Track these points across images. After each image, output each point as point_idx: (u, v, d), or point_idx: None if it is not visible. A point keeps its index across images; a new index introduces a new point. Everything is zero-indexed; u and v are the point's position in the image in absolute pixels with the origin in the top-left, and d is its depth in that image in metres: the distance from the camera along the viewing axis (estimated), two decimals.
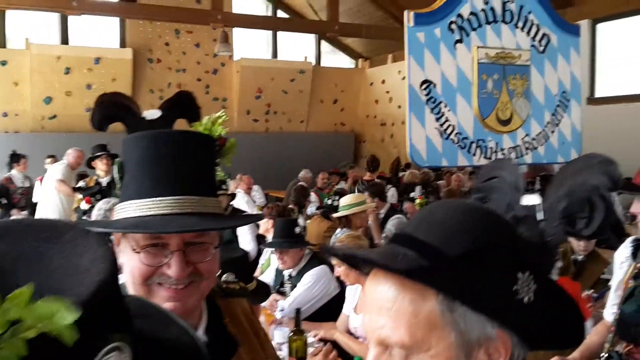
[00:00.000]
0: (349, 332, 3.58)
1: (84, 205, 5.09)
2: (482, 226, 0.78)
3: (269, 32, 13.74)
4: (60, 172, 7.26)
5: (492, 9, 1.92)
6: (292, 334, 3.01)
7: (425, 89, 1.82)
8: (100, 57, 11.62)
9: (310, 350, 3.06)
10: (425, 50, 1.81)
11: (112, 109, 1.41)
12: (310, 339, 3.33)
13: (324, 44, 14.63)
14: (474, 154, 1.93)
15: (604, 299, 3.68)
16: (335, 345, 3.46)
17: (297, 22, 13.24)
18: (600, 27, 9.53)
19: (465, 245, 0.75)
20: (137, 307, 0.63)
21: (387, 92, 13.57)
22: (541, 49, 2.02)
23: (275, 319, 3.65)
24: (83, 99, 11.74)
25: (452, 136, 1.87)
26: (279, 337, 3.30)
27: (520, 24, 1.98)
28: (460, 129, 1.87)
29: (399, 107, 13.04)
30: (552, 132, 2.07)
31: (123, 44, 12.31)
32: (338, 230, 5.31)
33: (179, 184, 1.12)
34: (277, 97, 13.32)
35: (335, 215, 5.29)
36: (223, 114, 1.46)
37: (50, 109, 11.58)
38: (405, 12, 1.75)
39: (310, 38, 14.32)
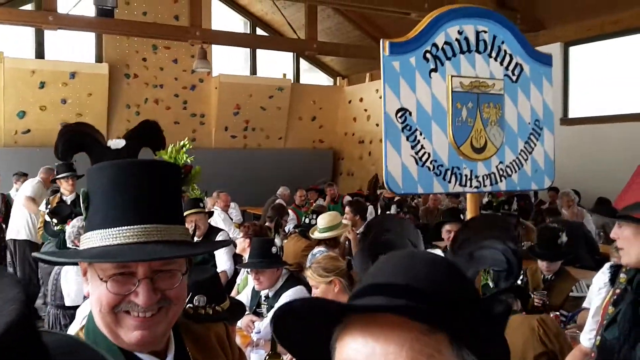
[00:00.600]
0: None
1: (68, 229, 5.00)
2: (461, 276, 0.77)
3: (248, 49, 13.78)
4: (31, 189, 7.12)
5: (466, 38, 1.94)
6: (268, 357, 2.98)
7: (401, 117, 1.83)
8: (75, 71, 11.51)
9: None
10: (400, 78, 1.83)
11: (76, 139, 1.41)
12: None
13: (303, 62, 14.71)
14: (449, 181, 1.95)
15: (576, 319, 3.72)
16: None
17: (276, 40, 13.31)
18: (573, 49, 9.76)
19: (469, 294, 0.74)
20: (67, 347, 0.62)
21: (365, 110, 13.68)
22: (514, 78, 2.06)
23: (252, 340, 3.61)
24: (58, 114, 11.61)
25: (427, 163, 1.88)
26: (256, 359, 3.27)
27: (493, 54, 2.01)
28: (435, 156, 1.89)
29: (377, 125, 13.14)
30: (526, 159, 2.09)
31: (99, 59, 12.21)
32: (315, 249, 5.30)
33: (144, 212, 1.13)
34: (256, 113, 13.31)
35: (313, 236, 5.28)
36: (187, 142, 1.46)
37: (24, 123, 11.41)
38: (381, 41, 1.76)
39: (289, 55, 14.39)
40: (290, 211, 8.74)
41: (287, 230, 7.14)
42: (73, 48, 12.03)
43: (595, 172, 8.93)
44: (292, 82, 14.00)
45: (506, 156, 2.06)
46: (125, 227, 1.11)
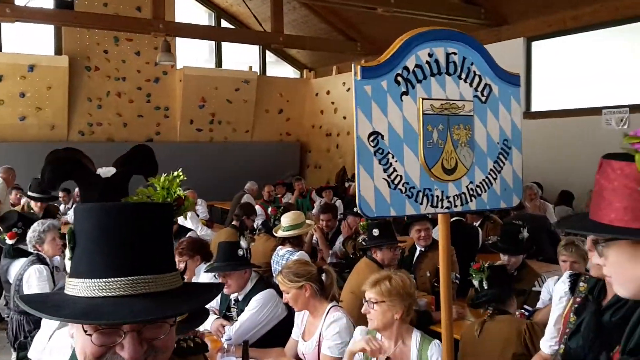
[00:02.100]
0: (298, 358, 3.58)
1: (9, 241, 4.86)
2: None
3: (213, 41, 13.60)
4: None
5: (436, 61, 1.95)
6: None
7: (372, 140, 1.83)
8: (34, 64, 11.18)
9: None
10: (372, 102, 1.83)
11: (63, 167, 1.34)
12: None
13: (269, 54, 14.60)
14: (421, 203, 1.96)
15: (535, 314, 3.83)
16: None
17: (242, 33, 13.16)
18: (535, 44, 9.93)
19: None
20: None
21: (332, 102, 13.68)
22: (483, 99, 2.08)
23: (222, 346, 3.59)
24: (16, 108, 11.28)
25: (399, 186, 1.89)
26: None
27: (463, 75, 2.03)
28: (407, 178, 1.90)
29: (344, 117, 13.17)
30: (495, 179, 2.13)
31: (59, 51, 11.88)
32: (279, 247, 5.31)
33: (132, 262, 1.08)
34: (222, 106, 13.18)
35: (278, 235, 5.29)
36: (181, 173, 1.40)
37: None
38: (353, 66, 1.76)
39: (255, 48, 14.26)
40: (258, 206, 8.71)
41: (255, 227, 7.12)
42: (31, 40, 11.67)
43: (557, 165, 9.15)
44: (258, 74, 13.89)
45: (476, 176, 2.09)
46: (112, 280, 1.06)
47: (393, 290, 2.74)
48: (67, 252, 1.14)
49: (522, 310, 3.85)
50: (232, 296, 4.08)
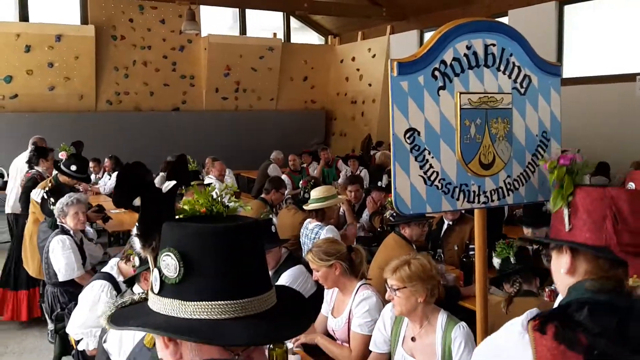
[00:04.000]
0: (328, 334, 3.64)
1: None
2: None
3: (237, 8, 13.46)
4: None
5: (474, 53, 1.91)
6: (271, 345, 3.03)
7: (409, 137, 1.81)
8: (61, 34, 11.25)
9: (290, 358, 3.10)
10: (409, 98, 1.80)
11: (133, 188, 1.34)
12: (290, 345, 3.37)
13: (293, 21, 14.41)
14: (457, 199, 1.95)
15: None
16: (316, 348, 3.53)
17: (266, 0, 13.01)
18: (568, 8, 9.61)
19: None
20: None
21: (358, 69, 13.52)
22: (522, 90, 2.03)
23: None
24: (45, 78, 11.42)
25: (436, 182, 1.88)
26: None
27: (502, 67, 1.98)
28: (443, 174, 1.88)
29: (370, 85, 13.02)
30: (533, 172, 2.09)
31: (85, 21, 11.91)
32: (308, 220, 5.34)
33: (262, 279, 1.13)
34: (246, 74, 13.13)
35: (307, 207, 5.30)
36: (235, 184, 1.38)
37: (11, 88, 11.22)
38: (389, 62, 1.73)
39: (279, 14, 14.08)
40: (285, 176, 8.75)
41: (285, 199, 7.17)
42: (57, 10, 11.71)
43: (589, 133, 8.96)
44: (282, 41, 13.76)
45: (514, 170, 2.06)
46: (255, 298, 1.10)
47: (413, 275, 2.76)
48: (174, 273, 1.11)
49: (552, 287, 3.83)
50: None
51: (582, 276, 1.39)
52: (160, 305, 1.13)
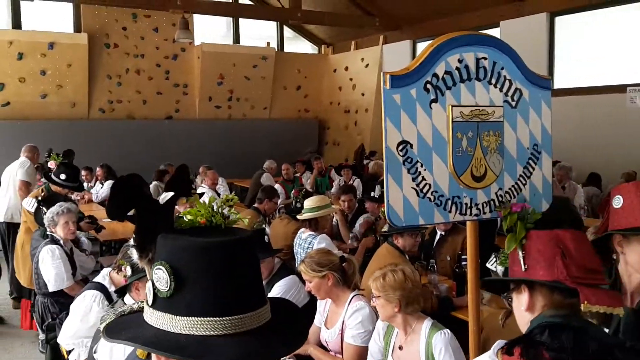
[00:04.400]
0: (321, 345, 3.63)
1: None
2: None
3: (230, 17, 13.50)
4: (25, 174, 6.89)
5: (466, 66, 1.93)
6: None
7: (401, 149, 1.82)
8: (54, 42, 11.23)
9: None
10: (401, 111, 1.81)
11: (127, 200, 1.33)
12: None
13: (287, 30, 14.46)
14: (450, 211, 1.96)
15: None
16: (309, 359, 3.52)
17: (260, 9, 13.05)
18: (559, 19, 9.70)
19: None
20: None
21: (351, 79, 13.57)
22: (513, 104, 2.05)
23: None
24: (38, 86, 11.39)
25: (428, 194, 1.89)
26: None
27: (493, 80, 2.00)
28: (436, 187, 1.89)
29: (363, 94, 13.07)
30: (524, 184, 2.11)
31: (78, 29, 11.90)
32: (301, 230, 5.34)
33: (254, 296, 1.11)
34: (240, 83, 13.15)
35: (300, 217, 5.30)
36: (235, 196, 1.38)
37: (3, 95, 11.18)
38: (382, 74, 1.74)
39: (273, 24, 14.13)
40: (278, 185, 8.75)
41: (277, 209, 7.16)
42: (50, 18, 11.70)
43: (579, 144, 9.02)
44: (276, 50, 13.79)
45: (505, 182, 2.08)
46: (246, 315, 1.08)
47: (386, 285, 2.92)
48: (165, 287, 1.10)
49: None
50: None
51: (541, 310, 1.57)
52: (153, 318, 1.12)
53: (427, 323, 2.92)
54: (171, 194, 1.41)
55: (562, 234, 1.59)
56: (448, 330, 2.88)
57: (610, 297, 1.51)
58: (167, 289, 1.09)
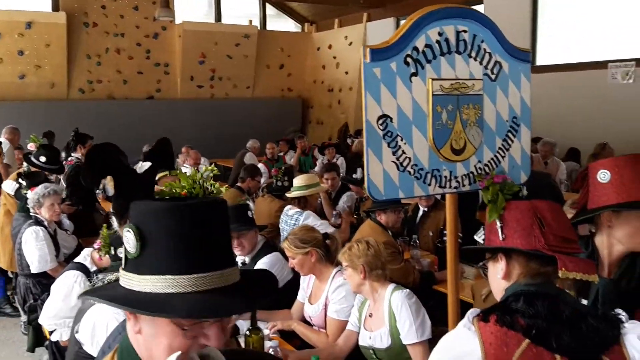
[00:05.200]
0: (305, 321, 3.67)
1: (30, 194, 4.89)
2: None
3: None
4: (6, 156, 6.78)
5: (446, 39, 1.92)
6: (248, 331, 3.05)
7: (381, 123, 1.82)
8: (31, 21, 11.00)
9: (267, 344, 3.12)
10: (381, 85, 1.81)
11: (102, 167, 1.35)
12: (266, 332, 3.38)
13: (269, 7, 14.29)
14: (429, 184, 1.97)
15: None
16: (293, 334, 3.55)
17: None
18: None
19: None
20: None
21: (334, 57, 13.48)
22: (493, 77, 2.05)
23: None
24: (15, 66, 11.18)
25: (408, 168, 1.90)
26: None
27: (473, 54, 1.99)
28: (416, 160, 1.90)
29: (346, 72, 13.01)
30: (503, 157, 2.12)
31: (56, 7, 11.66)
32: (288, 207, 5.35)
33: (216, 257, 1.13)
34: (222, 62, 13.01)
35: (289, 195, 5.31)
36: (214, 167, 1.40)
37: None
38: (362, 49, 1.74)
39: (255, 1, 13.95)
40: (262, 164, 8.73)
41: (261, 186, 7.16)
42: None
43: (562, 120, 9.09)
44: (258, 28, 13.65)
45: (484, 155, 2.09)
46: (204, 275, 1.11)
47: (352, 254, 3.07)
48: (133, 248, 1.14)
49: None
50: (239, 259, 4.12)
51: (516, 278, 1.61)
52: (124, 280, 1.17)
53: (390, 287, 3.05)
54: (149, 163, 1.43)
55: (540, 205, 1.64)
56: (408, 290, 3.04)
57: (586, 264, 1.55)
58: (135, 250, 1.13)
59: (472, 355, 1.47)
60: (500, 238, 1.64)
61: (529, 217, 1.62)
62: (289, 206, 5.35)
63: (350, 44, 12.96)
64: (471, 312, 1.56)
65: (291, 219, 5.18)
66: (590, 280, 1.54)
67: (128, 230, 1.14)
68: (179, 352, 0.84)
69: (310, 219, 4.93)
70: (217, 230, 1.16)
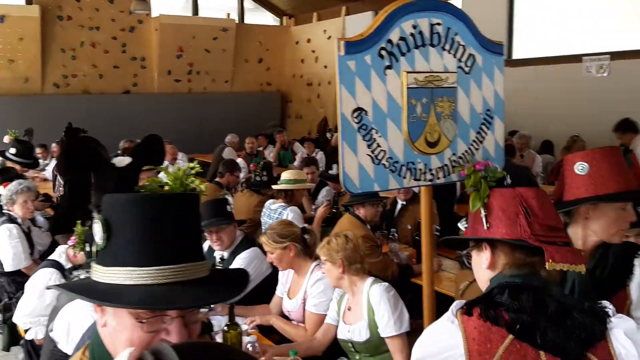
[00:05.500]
0: (284, 316, 3.66)
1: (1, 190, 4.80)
2: None
3: None
4: None
5: (420, 32, 1.92)
6: (226, 327, 3.04)
7: (356, 117, 1.82)
8: (4, 14, 10.75)
9: (245, 339, 3.11)
10: (356, 78, 1.81)
11: (78, 158, 1.34)
12: (244, 327, 3.38)
13: (247, 1, 14.19)
14: (404, 177, 1.98)
15: None
16: (272, 329, 3.55)
17: None
18: None
19: None
20: None
21: (313, 51, 13.44)
22: (467, 69, 2.07)
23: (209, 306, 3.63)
24: None
25: (383, 161, 1.90)
26: (213, 326, 3.32)
27: (447, 46, 2.00)
28: (391, 153, 1.91)
29: (325, 67, 12.98)
30: (477, 149, 2.14)
31: (29, 1, 11.41)
32: (271, 200, 5.34)
33: (179, 251, 1.13)
34: (200, 56, 12.88)
35: (275, 187, 5.30)
36: (197, 165, 1.39)
37: None
38: (337, 41, 1.73)
39: None
40: (241, 159, 8.68)
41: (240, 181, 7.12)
42: None
43: (537, 113, 9.19)
44: (236, 22, 13.54)
45: (458, 148, 2.10)
46: (165, 267, 1.10)
47: (331, 249, 3.08)
48: (100, 239, 1.14)
49: None
50: (217, 253, 4.10)
51: (501, 269, 1.57)
52: (92, 272, 1.17)
53: (369, 281, 3.07)
54: (128, 159, 1.43)
55: (525, 192, 1.59)
56: (387, 283, 3.06)
57: (573, 254, 1.51)
58: (102, 241, 1.13)
59: (455, 349, 1.44)
60: (485, 227, 1.59)
61: (514, 206, 1.57)
62: (271, 200, 5.34)
63: (329, 37, 12.93)
64: (455, 305, 1.53)
65: (274, 212, 5.18)
66: (578, 270, 1.49)
67: (96, 222, 1.15)
68: (131, 349, 0.84)
69: (292, 216, 4.92)
70: (183, 224, 1.15)
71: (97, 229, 1.14)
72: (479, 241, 1.62)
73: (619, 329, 1.43)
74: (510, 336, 1.40)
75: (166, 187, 1.24)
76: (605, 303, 1.50)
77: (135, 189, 1.29)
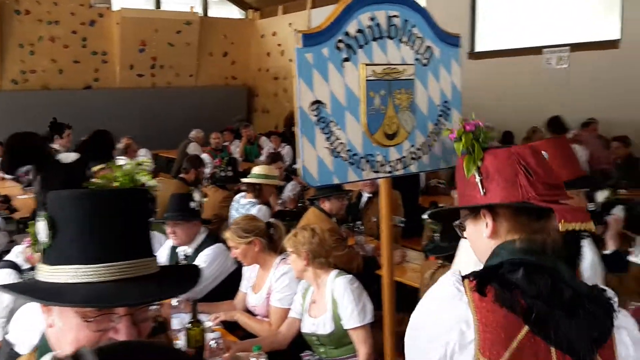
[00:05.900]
0: (247, 311, 3.65)
1: None
2: None
3: None
4: None
5: (378, 24, 1.92)
6: (189, 324, 3.01)
7: (315, 109, 1.82)
8: None
9: (209, 335, 3.09)
10: (313, 70, 1.80)
11: (23, 155, 1.30)
12: (208, 323, 3.35)
13: None
14: (363, 169, 1.98)
15: None
16: (236, 325, 3.53)
17: None
18: None
19: None
20: None
21: (279, 44, 13.38)
22: (424, 61, 2.08)
23: (171, 303, 3.58)
24: None
25: (342, 153, 1.90)
26: (176, 323, 3.29)
27: (405, 39, 2.01)
28: (350, 146, 1.91)
29: (291, 60, 12.89)
30: (435, 140, 2.16)
31: None
32: (241, 194, 5.31)
33: (126, 247, 1.11)
34: (163, 50, 12.68)
35: (245, 180, 5.26)
36: (148, 159, 1.35)
37: None
38: (294, 34, 1.72)
39: None
40: (206, 154, 8.60)
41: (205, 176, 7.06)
42: None
43: (498, 105, 9.32)
44: (200, 15, 13.37)
45: (417, 139, 2.12)
46: (110, 265, 1.08)
47: (297, 241, 3.13)
48: (45, 237, 1.10)
49: None
50: (181, 250, 4.05)
51: (505, 236, 1.40)
52: (38, 271, 1.14)
53: (333, 273, 3.10)
54: (74, 154, 1.40)
55: (522, 150, 1.44)
56: (351, 275, 3.10)
57: (582, 212, 1.35)
58: (46, 239, 1.11)
59: (461, 333, 1.25)
60: (482, 193, 1.43)
61: (512, 166, 1.41)
62: (241, 194, 5.31)
63: (295, 31, 12.86)
64: (456, 275, 1.35)
65: (243, 207, 5.15)
66: (587, 228, 1.33)
67: (40, 219, 1.12)
68: (53, 353, 0.82)
69: (260, 215, 4.90)
70: (130, 220, 1.13)
71: (42, 227, 1.11)
72: (476, 209, 1.45)
73: (624, 329, 1.33)
74: (526, 328, 1.24)
75: (115, 183, 1.21)
76: (610, 293, 1.36)
77: (83, 185, 1.26)
